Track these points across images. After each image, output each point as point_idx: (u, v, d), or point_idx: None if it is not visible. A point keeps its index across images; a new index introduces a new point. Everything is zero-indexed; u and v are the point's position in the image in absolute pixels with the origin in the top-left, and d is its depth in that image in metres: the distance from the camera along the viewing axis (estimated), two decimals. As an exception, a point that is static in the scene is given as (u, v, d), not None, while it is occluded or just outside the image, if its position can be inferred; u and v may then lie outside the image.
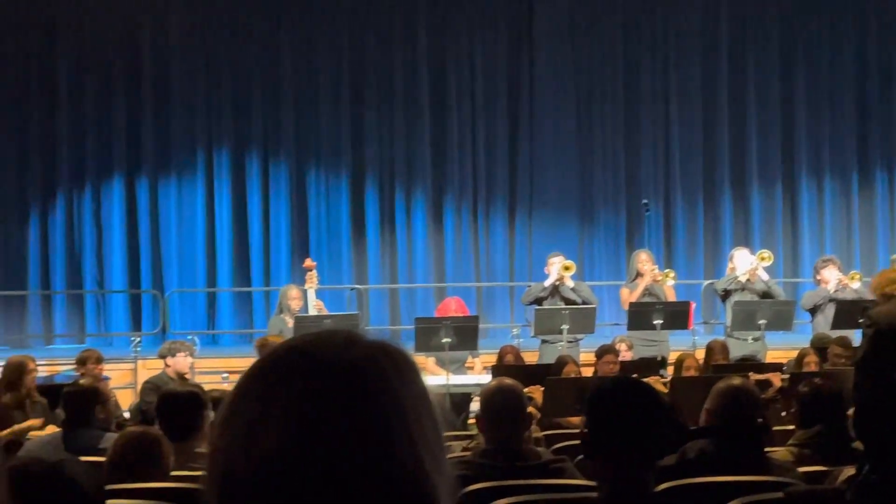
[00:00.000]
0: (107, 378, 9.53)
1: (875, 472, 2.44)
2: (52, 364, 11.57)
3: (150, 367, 10.46)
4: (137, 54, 14.49)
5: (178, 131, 14.53)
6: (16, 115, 14.37)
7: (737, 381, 4.30)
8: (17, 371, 7.77)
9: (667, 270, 11.06)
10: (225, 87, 14.61)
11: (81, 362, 9.03)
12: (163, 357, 9.02)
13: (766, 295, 10.42)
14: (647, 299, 10.41)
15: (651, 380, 7.53)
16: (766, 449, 4.39)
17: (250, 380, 1.16)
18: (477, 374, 10.07)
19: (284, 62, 14.68)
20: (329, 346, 1.16)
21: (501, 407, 3.89)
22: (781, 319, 10.33)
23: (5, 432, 6.73)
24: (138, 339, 11.98)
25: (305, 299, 10.39)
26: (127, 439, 4.15)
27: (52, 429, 6.72)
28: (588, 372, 8.83)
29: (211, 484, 1.14)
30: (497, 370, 8.52)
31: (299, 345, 1.17)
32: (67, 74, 14.41)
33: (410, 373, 1.18)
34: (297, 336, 1.22)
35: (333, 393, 1.12)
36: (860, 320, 9.10)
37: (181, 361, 8.85)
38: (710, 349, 9.41)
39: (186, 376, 9.06)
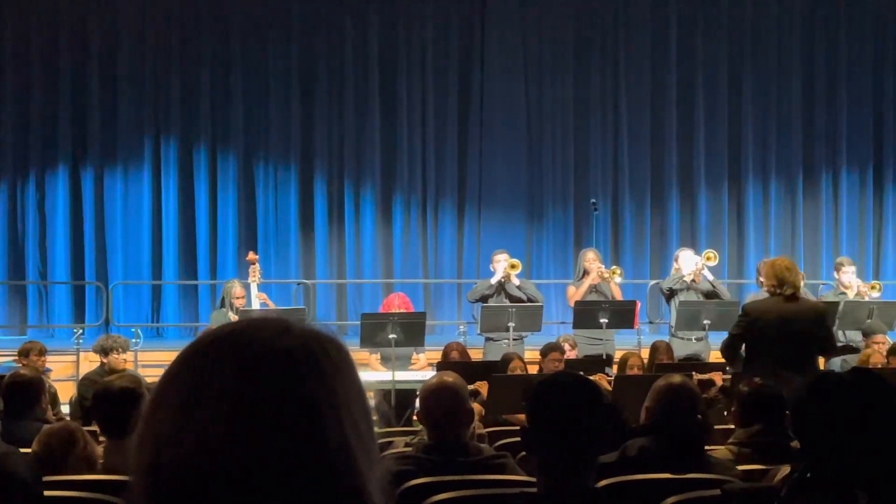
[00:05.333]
0: (48, 370, 9.42)
1: (809, 471, 2.46)
2: (-7, 355, 11.42)
3: (92, 360, 10.34)
4: (84, 40, 14.34)
5: (125, 120, 14.41)
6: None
7: (676, 379, 4.32)
8: (-44, 361, 7.67)
9: (613, 267, 11.12)
10: (173, 75, 14.49)
11: (24, 354, 8.91)
12: (98, 353, 8.91)
13: (710, 295, 10.49)
14: (593, 297, 10.45)
15: (596, 378, 7.57)
16: (707, 447, 4.43)
17: (180, 366, 1.14)
18: (422, 371, 10.06)
19: (234, 52, 14.59)
20: (262, 332, 1.14)
21: (442, 402, 3.89)
22: (726, 319, 10.36)
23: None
24: (81, 331, 11.84)
25: (249, 295, 10.33)
26: (48, 434, 4.12)
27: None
28: (533, 370, 8.85)
29: (138, 473, 1.12)
30: (442, 367, 8.50)
31: (231, 331, 1.16)
32: (12, 61, 14.23)
33: (343, 362, 1.17)
34: (228, 323, 1.19)
35: (265, 380, 1.10)
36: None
37: (115, 359, 8.72)
38: (654, 348, 9.48)
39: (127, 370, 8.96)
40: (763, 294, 10.62)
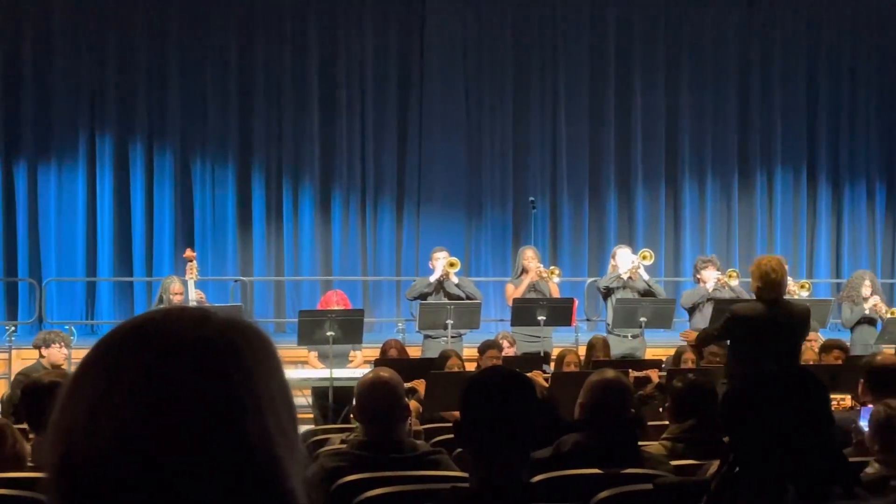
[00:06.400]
0: (-21, 367, 9.30)
1: (738, 464, 2.48)
2: (-78, 353, 11.21)
3: (24, 358, 10.22)
4: (18, 34, 14.10)
5: (59, 115, 14.19)
6: None
7: (608, 374, 4.34)
8: None
9: (552, 268, 11.16)
10: (109, 70, 14.29)
11: (-47, 351, 8.78)
12: (37, 347, 8.84)
13: (647, 293, 10.58)
14: (532, 295, 10.48)
15: (533, 375, 7.59)
16: (641, 443, 4.45)
17: (95, 356, 1.11)
18: (360, 368, 10.02)
19: (171, 46, 14.43)
20: (179, 322, 1.11)
21: (377, 398, 3.87)
22: (661, 317, 10.50)
23: None
24: (13, 328, 11.66)
25: (187, 291, 10.24)
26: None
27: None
28: (471, 367, 8.85)
29: (51, 468, 1.08)
30: (380, 364, 8.48)
31: (148, 320, 1.12)
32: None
33: (266, 354, 1.13)
34: (147, 312, 1.16)
35: (183, 370, 1.07)
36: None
37: (55, 353, 8.66)
38: (591, 345, 9.52)
39: (63, 367, 8.86)
40: (699, 289, 10.80)
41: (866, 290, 10.80)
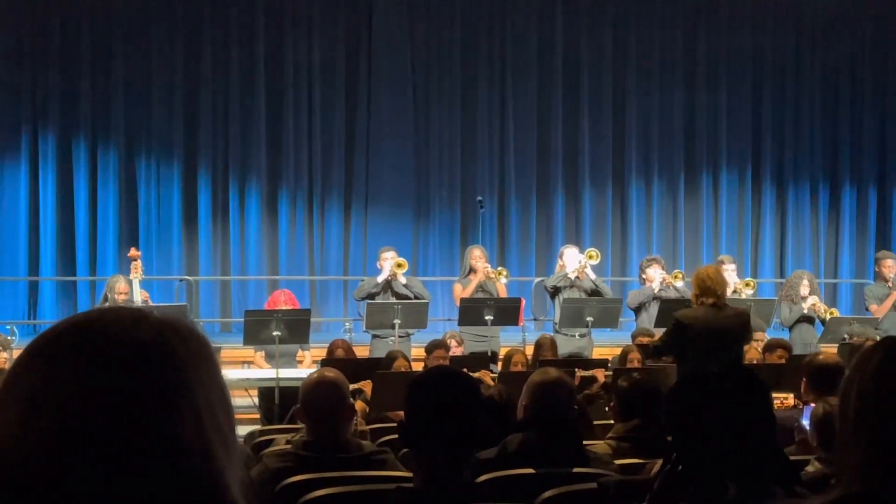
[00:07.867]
0: (-83, 368, 9.12)
1: (681, 463, 2.49)
2: None
3: (-35, 358, 10.04)
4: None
5: (1, 112, 13.98)
6: None
7: (549, 374, 4.33)
8: None
9: (500, 269, 11.19)
10: (52, 67, 14.11)
11: None
12: (-24, 352, 8.69)
13: (594, 293, 10.63)
14: (479, 295, 10.50)
15: (481, 374, 7.60)
16: (587, 442, 4.47)
17: (30, 356, 1.10)
18: (309, 369, 9.97)
19: (116, 42, 14.27)
20: (115, 322, 1.11)
21: (322, 398, 3.86)
22: (608, 317, 10.56)
23: None
24: (-46, 328, 11.47)
25: (132, 291, 10.13)
26: None
27: None
28: (419, 367, 8.84)
29: None
30: (326, 365, 8.44)
31: (83, 321, 1.12)
32: None
33: (202, 353, 1.13)
34: (81, 312, 1.15)
35: (116, 373, 1.06)
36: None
37: (-6, 358, 8.51)
38: (538, 345, 9.54)
39: (5, 368, 8.73)
40: (645, 289, 10.89)
41: (805, 290, 10.94)
